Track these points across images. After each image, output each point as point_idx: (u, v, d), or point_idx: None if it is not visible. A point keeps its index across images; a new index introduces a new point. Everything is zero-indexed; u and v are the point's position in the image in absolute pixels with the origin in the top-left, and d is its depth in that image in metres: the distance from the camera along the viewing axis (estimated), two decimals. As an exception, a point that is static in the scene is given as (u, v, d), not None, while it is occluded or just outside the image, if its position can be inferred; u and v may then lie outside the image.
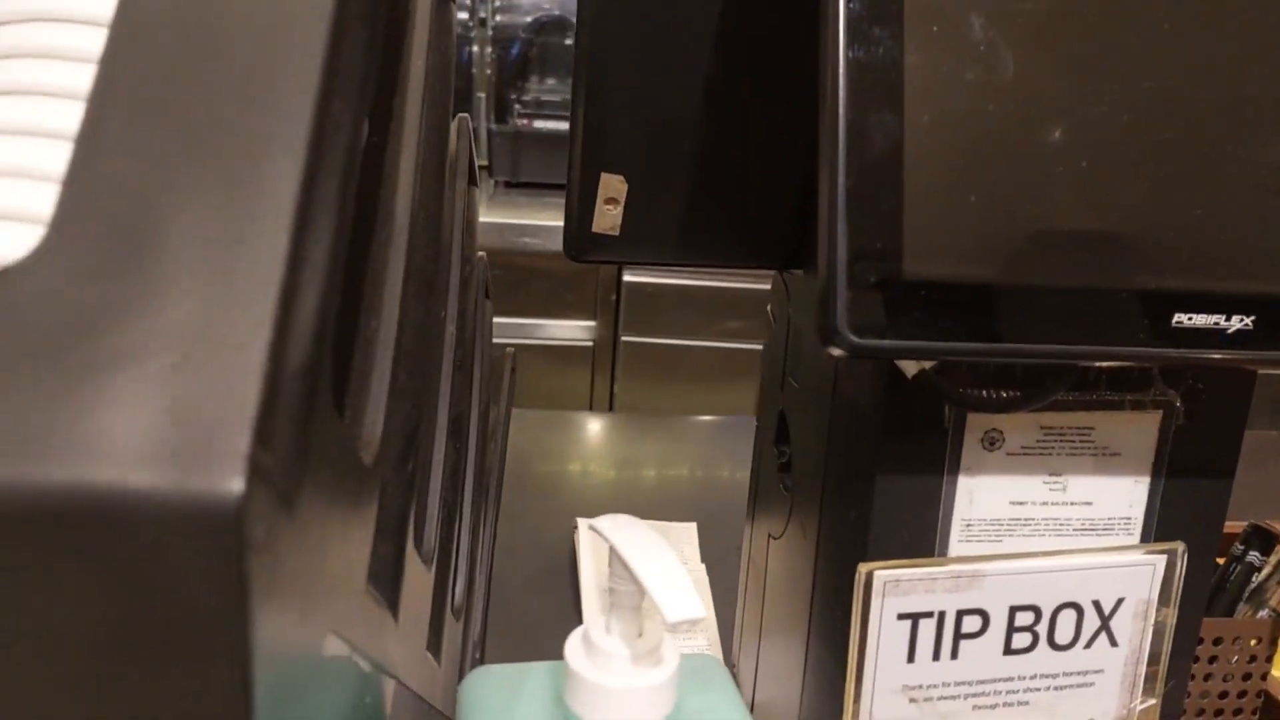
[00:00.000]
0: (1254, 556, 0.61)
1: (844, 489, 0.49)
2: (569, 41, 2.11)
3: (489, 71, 2.20)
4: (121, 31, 0.18)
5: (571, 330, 1.95)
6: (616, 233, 0.54)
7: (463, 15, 2.20)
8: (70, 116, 0.18)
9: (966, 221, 0.37)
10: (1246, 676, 0.60)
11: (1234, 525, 0.65)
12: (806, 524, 0.53)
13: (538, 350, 1.89)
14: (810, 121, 0.52)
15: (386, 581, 0.29)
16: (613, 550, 0.31)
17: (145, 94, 0.18)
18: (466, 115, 0.47)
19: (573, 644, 0.32)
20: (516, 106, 2.03)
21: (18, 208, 0.18)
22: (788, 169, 0.53)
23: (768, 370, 0.62)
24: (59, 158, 0.18)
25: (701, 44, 0.51)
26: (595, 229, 0.53)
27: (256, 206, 0.17)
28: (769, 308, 0.64)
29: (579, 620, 0.76)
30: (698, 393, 1.97)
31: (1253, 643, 0.59)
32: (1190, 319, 0.38)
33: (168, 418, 0.16)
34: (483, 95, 2.22)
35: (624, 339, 1.95)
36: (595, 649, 0.32)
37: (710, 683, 0.36)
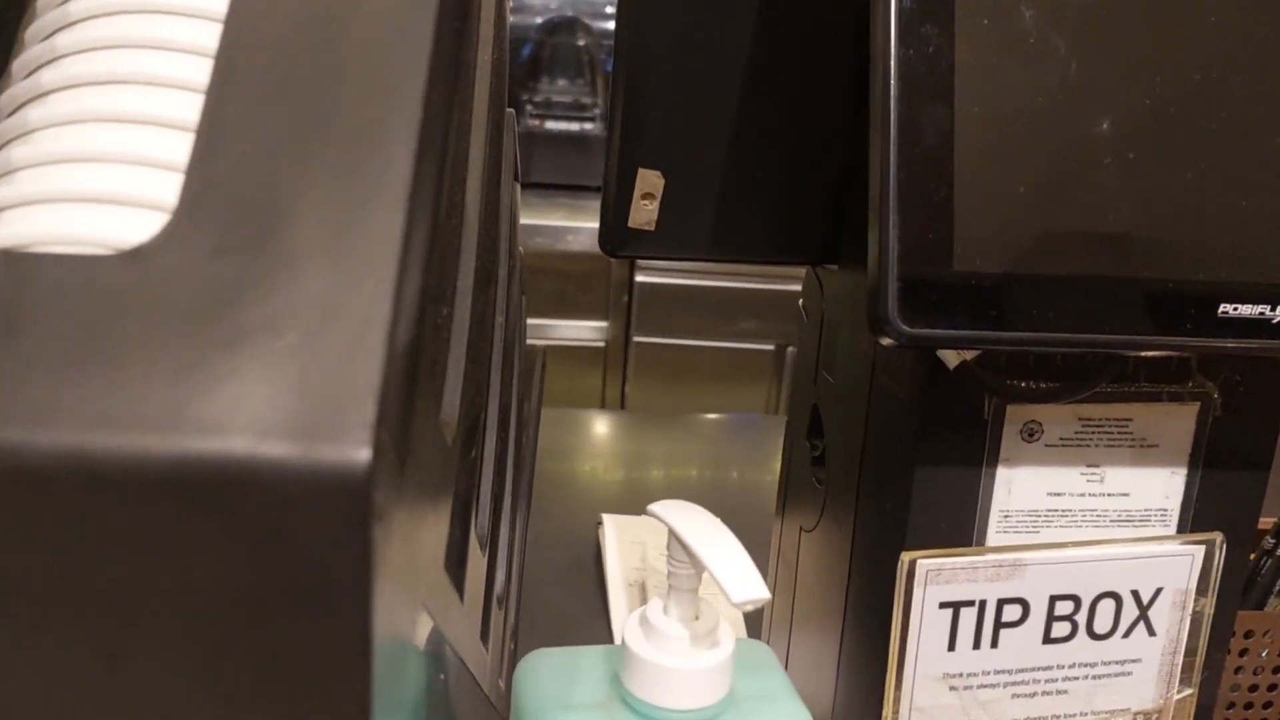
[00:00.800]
0: (1283, 550, 0.61)
1: (882, 481, 0.49)
2: (581, 42, 2.11)
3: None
4: (236, 23, 0.19)
5: (583, 330, 1.95)
6: (652, 228, 0.54)
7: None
8: (188, 106, 0.19)
9: (1016, 212, 0.37)
10: (1277, 670, 0.60)
11: (1265, 521, 0.66)
12: (841, 516, 0.54)
13: (550, 351, 1.90)
14: (847, 116, 0.52)
15: (456, 563, 0.29)
16: (672, 533, 0.31)
17: (262, 83, 0.18)
18: (512, 111, 0.48)
19: (631, 625, 0.33)
20: (528, 108, 2.03)
21: (145, 195, 0.19)
22: (823, 164, 0.54)
23: (800, 365, 0.62)
24: (180, 147, 0.18)
25: (739, 38, 0.52)
26: (631, 224, 0.54)
27: (373, 190, 0.17)
28: (800, 303, 0.64)
29: (606, 615, 0.77)
30: (710, 393, 1.97)
31: (1283, 636, 0.60)
32: (1236, 309, 0.39)
33: (298, 390, 0.17)
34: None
35: (635, 339, 1.96)
36: (654, 630, 0.32)
37: (761, 667, 0.37)
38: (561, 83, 2.09)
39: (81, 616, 0.17)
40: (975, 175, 0.37)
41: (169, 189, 0.19)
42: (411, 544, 0.21)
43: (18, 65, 0.22)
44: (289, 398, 0.17)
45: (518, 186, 0.50)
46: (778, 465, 0.65)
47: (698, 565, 0.30)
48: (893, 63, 0.37)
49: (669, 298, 1.93)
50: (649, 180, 0.54)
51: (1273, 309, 0.39)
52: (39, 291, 0.17)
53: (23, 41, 0.23)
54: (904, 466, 0.47)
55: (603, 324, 1.95)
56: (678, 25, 0.51)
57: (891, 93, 0.37)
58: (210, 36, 0.19)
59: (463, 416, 0.29)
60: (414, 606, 0.22)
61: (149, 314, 0.17)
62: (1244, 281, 0.38)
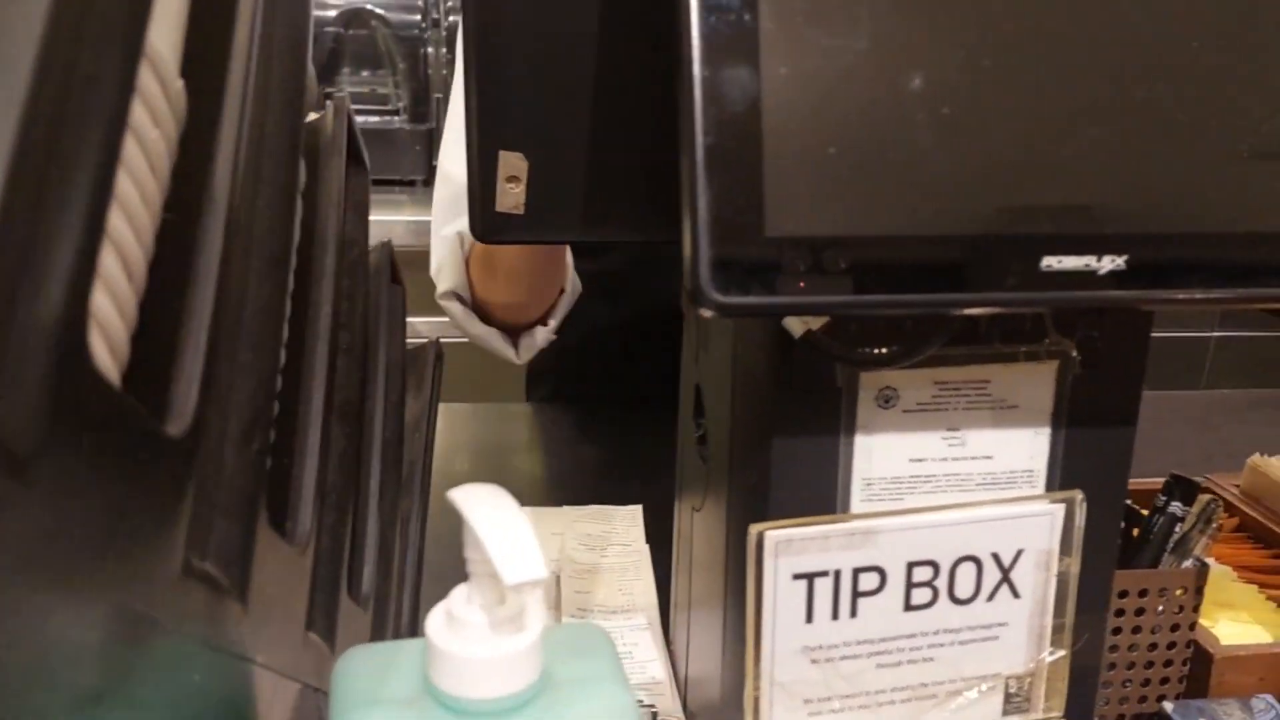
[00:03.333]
0: (1176, 507, 0.61)
1: (747, 455, 0.49)
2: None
3: (445, 72, 2.19)
4: None
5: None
6: (521, 211, 0.53)
7: (415, 17, 2.19)
8: None
9: (828, 175, 0.37)
10: (1175, 627, 0.60)
11: (1155, 480, 0.65)
12: (719, 494, 0.53)
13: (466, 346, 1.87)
14: None
15: (225, 559, 0.28)
16: (462, 519, 0.31)
17: None
18: (345, 96, 0.47)
19: (434, 616, 0.32)
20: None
21: None
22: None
23: (686, 345, 0.62)
24: None
25: (588, 15, 0.51)
26: (499, 208, 0.53)
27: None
28: (683, 284, 0.63)
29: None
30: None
31: (1179, 593, 0.59)
32: (1060, 261, 0.38)
33: None
34: (440, 96, 2.21)
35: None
36: (454, 620, 0.31)
37: (588, 650, 0.36)
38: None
39: None
40: (785, 139, 0.36)
41: None
42: (87, 540, 0.20)
43: None
44: None
45: (363, 173, 0.49)
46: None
47: (483, 549, 0.29)
48: (695, 28, 0.36)
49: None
50: (511, 163, 0.53)
51: (1098, 260, 0.38)
52: None
53: None
54: (763, 439, 0.46)
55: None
56: (525, 4, 0.50)
57: (695, 59, 0.36)
58: None
59: (222, 408, 0.29)
60: (98, 607, 0.21)
61: None
62: (1066, 234, 0.38)
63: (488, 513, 0.30)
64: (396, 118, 2.12)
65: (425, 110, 2.18)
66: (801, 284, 0.37)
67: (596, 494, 0.91)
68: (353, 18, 2.11)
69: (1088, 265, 0.38)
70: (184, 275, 0.26)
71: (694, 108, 0.36)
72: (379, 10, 2.12)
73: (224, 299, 0.28)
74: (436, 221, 0.98)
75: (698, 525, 0.59)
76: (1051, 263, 0.38)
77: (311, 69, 0.43)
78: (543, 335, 1.01)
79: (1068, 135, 0.37)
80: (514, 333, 1.00)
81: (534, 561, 0.28)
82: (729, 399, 0.51)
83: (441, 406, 1.18)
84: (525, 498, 0.93)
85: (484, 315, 0.98)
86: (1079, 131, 0.37)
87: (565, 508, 0.88)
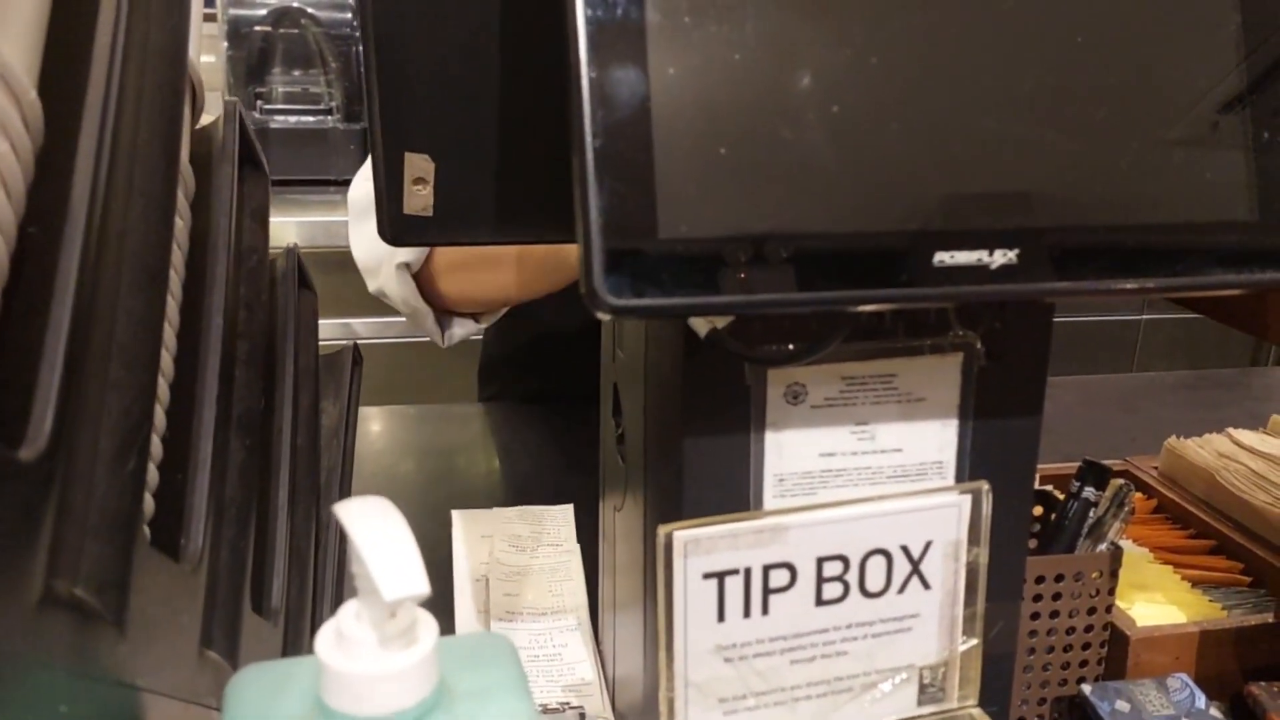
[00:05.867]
0: (1089, 492, 0.62)
1: (661, 454, 0.48)
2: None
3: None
4: None
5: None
6: (430, 213, 0.53)
7: (346, 15, 2.16)
8: None
9: (719, 174, 0.36)
10: (1091, 610, 0.61)
11: (1068, 466, 0.66)
12: (637, 492, 0.53)
13: (423, 347, 1.85)
14: None
15: (95, 582, 0.28)
16: (344, 533, 0.30)
17: None
18: (236, 100, 0.46)
19: (323, 635, 0.32)
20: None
21: None
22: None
23: (604, 345, 0.61)
24: None
25: (490, 16, 0.50)
26: (407, 210, 0.52)
27: None
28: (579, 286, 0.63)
29: (453, 616, 0.75)
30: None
31: (1094, 576, 0.60)
32: (952, 256, 0.38)
33: None
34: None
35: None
36: (344, 638, 0.31)
37: (489, 660, 0.35)
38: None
39: None
40: (675, 140, 0.36)
41: None
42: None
43: None
44: None
45: (262, 179, 0.48)
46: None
47: (363, 564, 0.29)
48: (582, 29, 0.36)
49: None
50: (417, 165, 0.52)
51: (990, 254, 0.38)
52: None
53: None
54: (675, 438, 0.46)
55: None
56: (424, 6, 0.50)
57: (582, 59, 0.36)
58: None
59: (87, 426, 0.28)
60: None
61: None
62: (957, 229, 0.38)
63: (370, 527, 0.29)
64: (330, 117, 2.11)
65: (358, 109, 2.16)
66: (695, 284, 0.36)
67: (536, 494, 0.90)
68: (282, 16, 2.08)
69: (980, 260, 0.38)
70: (40, 293, 0.25)
71: (583, 110, 0.36)
72: (309, 9, 2.10)
73: (87, 315, 0.27)
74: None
75: (619, 525, 0.59)
76: (944, 258, 0.38)
77: (198, 74, 0.42)
78: (472, 326, 1.01)
79: (956, 130, 0.37)
80: (446, 317, 1.00)
81: (414, 576, 0.28)
82: (642, 398, 0.51)
83: (387, 409, 1.17)
84: (465, 499, 0.92)
85: (425, 294, 0.97)
86: (967, 127, 0.37)
87: (496, 509, 0.88)
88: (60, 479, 0.26)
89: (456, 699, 0.33)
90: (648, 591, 0.51)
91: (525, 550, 0.82)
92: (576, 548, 0.83)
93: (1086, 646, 0.61)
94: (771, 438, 0.46)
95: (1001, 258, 0.38)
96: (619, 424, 0.58)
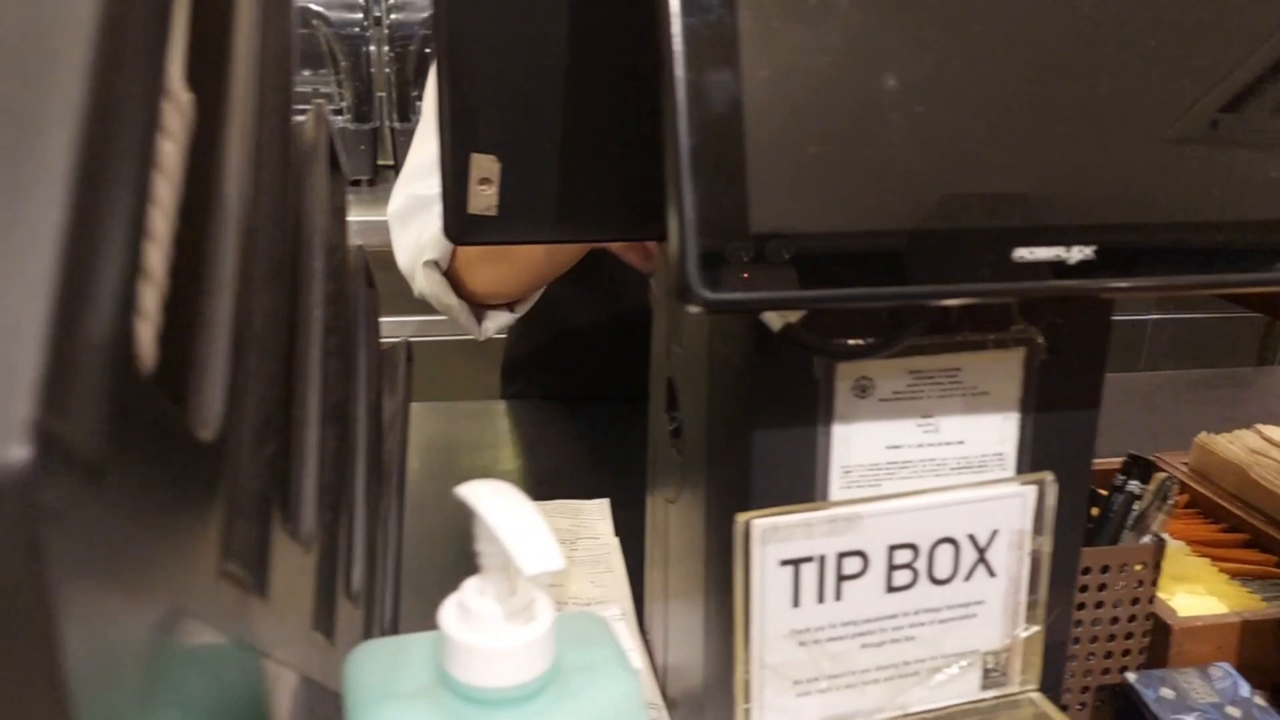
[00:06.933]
0: (1134, 485, 0.63)
1: (726, 446, 0.50)
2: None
3: (388, 70, 2.18)
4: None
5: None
6: (494, 213, 0.54)
7: (357, 15, 2.17)
8: None
9: (809, 173, 0.38)
10: (1134, 601, 0.62)
11: (1114, 460, 0.68)
12: (696, 485, 0.54)
13: (442, 345, 1.86)
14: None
15: (248, 560, 0.29)
16: (475, 513, 0.31)
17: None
18: (322, 102, 0.47)
19: (448, 608, 0.33)
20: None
21: None
22: (653, 138, 0.54)
23: (657, 340, 0.63)
24: None
25: (558, 15, 0.52)
26: (471, 210, 0.53)
27: (26, 179, 0.17)
28: (651, 279, 0.65)
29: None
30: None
31: (1138, 568, 0.62)
32: (1031, 252, 0.40)
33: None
34: (383, 94, 2.20)
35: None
36: (468, 611, 0.32)
37: (592, 638, 0.37)
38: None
39: None
40: (767, 139, 0.38)
41: None
42: (139, 544, 0.21)
43: None
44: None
45: (340, 179, 0.50)
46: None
47: (500, 542, 0.30)
48: (677, 30, 0.37)
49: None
50: (483, 165, 0.53)
51: (1067, 250, 0.40)
52: None
53: None
54: (743, 430, 0.47)
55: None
56: (495, 6, 0.51)
57: (677, 61, 0.37)
58: None
59: (242, 412, 0.29)
60: (155, 609, 0.21)
61: None
62: (1038, 225, 0.39)
63: (501, 507, 0.31)
64: (340, 117, 2.12)
65: (369, 109, 2.17)
66: (785, 279, 0.38)
67: (565, 488, 0.92)
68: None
69: (1058, 256, 0.40)
70: (205, 280, 0.27)
71: (678, 112, 0.37)
72: (319, 9, 2.11)
73: (239, 304, 0.29)
74: (419, 193, 0.99)
75: (673, 517, 0.60)
76: (1024, 254, 0.39)
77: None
78: (507, 318, 1.02)
79: (1038, 131, 0.39)
80: (480, 310, 1.02)
81: (552, 552, 0.29)
82: (705, 392, 0.52)
83: (414, 405, 1.18)
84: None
85: (457, 289, 0.99)
86: (1048, 128, 0.39)
87: (534, 504, 0.89)
88: (227, 460, 0.27)
89: (567, 674, 0.34)
90: (711, 579, 0.52)
91: (565, 543, 0.84)
92: (615, 540, 0.84)
93: (1129, 636, 0.63)
94: (839, 430, 0.47)
95: (1079, 254, 0.40)
96: (674, 419, 0.60)
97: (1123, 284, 0.40)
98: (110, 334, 0.19)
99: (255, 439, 0.31)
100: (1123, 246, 0.40)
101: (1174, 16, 0.40)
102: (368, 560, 0.53)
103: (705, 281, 0.37)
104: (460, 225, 0.53)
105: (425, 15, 2.09)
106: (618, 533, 0.85)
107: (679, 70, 0.37)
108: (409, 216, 1.00)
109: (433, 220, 0.99)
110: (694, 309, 0.38)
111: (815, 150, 0.38)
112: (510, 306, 1.03)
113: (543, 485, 0.98)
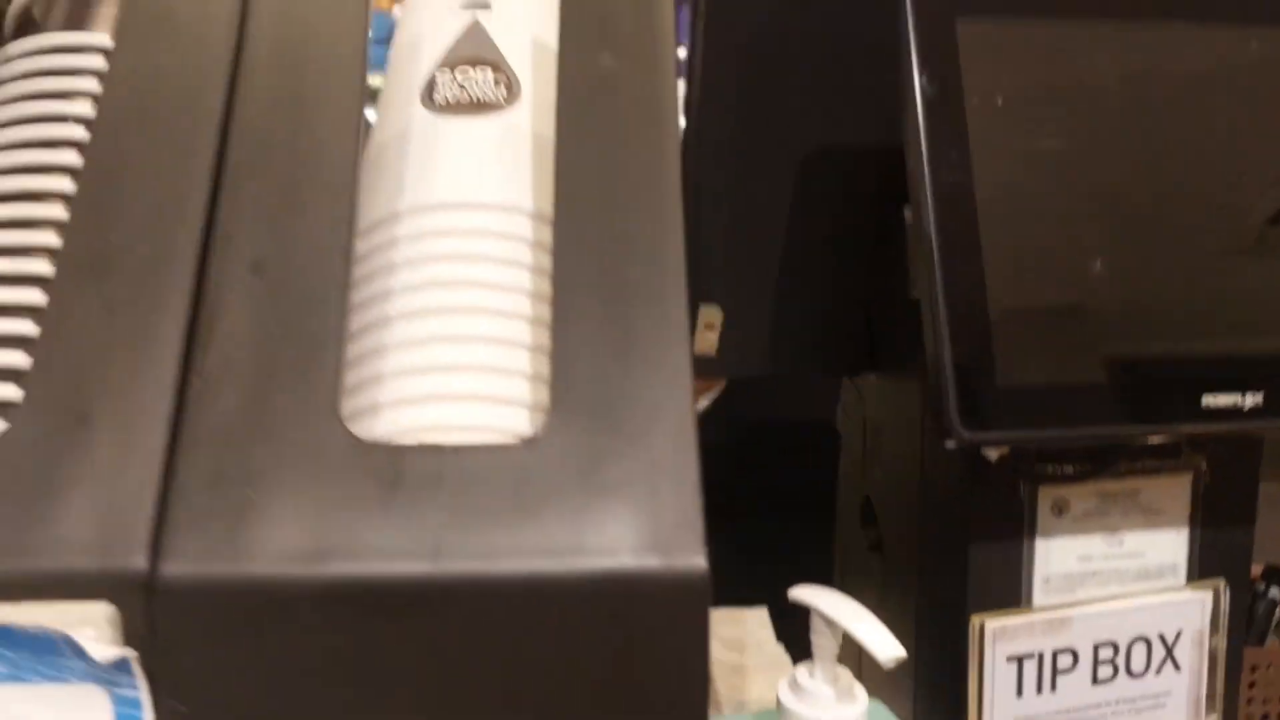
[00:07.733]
0: (1275, 592, 0.71)
1: (941, 557, 0.59)
2: None
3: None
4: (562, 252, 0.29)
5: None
6: (714, 354, 0.64)
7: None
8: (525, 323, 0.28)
9: (1045, 330, 0.48)
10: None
11: (1255, 568, 0.75)
12: (902, 589, 0.63)
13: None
14: (871, 241, 0.62)
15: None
16: (814, 611, 0.41)
17: (586, 303, 0.28)
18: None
19: (783, 689, 0.42)
20: None
21: (504, 394, 0.29)
22: (855, 286, 0.64)
23: (847, 463, 0.72)
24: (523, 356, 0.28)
25: (793, 183, 0.62)
26: (697, 351, 0.63)
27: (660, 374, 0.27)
28: (839, 409, 0.74)
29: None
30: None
31: (1284, 667, 0.69)
32: (1216, 398, 0.49)
33: (653, 523, 0.26)
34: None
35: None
36: (803, 691, 0.41)
37: (880, 715, 0.45)
38: None
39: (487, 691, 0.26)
40: (1007, 301, 0.47)
41: (520, 389, 0.29)
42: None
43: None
44: (650, 528, 0.26)
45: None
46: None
47: (837, 636, 0.39)
48: (930, 207, 0.47)
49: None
50: (710, 315, 0.64)
51: (1243, 397, 0.49)
52: (474, 465, 0.27)
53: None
54: (960, 544, 0.56)
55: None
56: (730, 177, 0.62)
57: (935, 258, 0.47)
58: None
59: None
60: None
61: (549, 478, 0.27)
62: (1220, 376, 0.49)
63: (838, 607, 0.40)
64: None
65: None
66: (1023, 420, 0.47)
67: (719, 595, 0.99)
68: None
69: (1235, 402, 0.49)
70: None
71: (937, 296, 0.47)
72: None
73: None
74: None
75: (869, 621, 0.68)
76: (1210, 400, 0.49)
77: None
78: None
79: (1228, 300, 0.49)
80: None
81: (894, 642, 0.38)
82: (914, 510, 0.61)
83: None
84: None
85: None
86: (1234, 298, 0.49)
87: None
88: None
89: (873, 744, 0.43)
90: (920, 675, 0.60)
91: (735, 649, 0.91)
92: (779, 647, 0.91)
93: (1279, 730, 0.70)
94: (1040, 544, 0.56)
95: (1251, 400, 0.49)
96: (872, 532, 0.68)
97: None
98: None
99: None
100: (1286, 393, 0.49)
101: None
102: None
103: (964, 423, 0.47)
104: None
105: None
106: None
107: (937, 255, 0.47)
108: None
109: None
110: (951, 444, 0.48)
111: (1046, 318, 0.48)
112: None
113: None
